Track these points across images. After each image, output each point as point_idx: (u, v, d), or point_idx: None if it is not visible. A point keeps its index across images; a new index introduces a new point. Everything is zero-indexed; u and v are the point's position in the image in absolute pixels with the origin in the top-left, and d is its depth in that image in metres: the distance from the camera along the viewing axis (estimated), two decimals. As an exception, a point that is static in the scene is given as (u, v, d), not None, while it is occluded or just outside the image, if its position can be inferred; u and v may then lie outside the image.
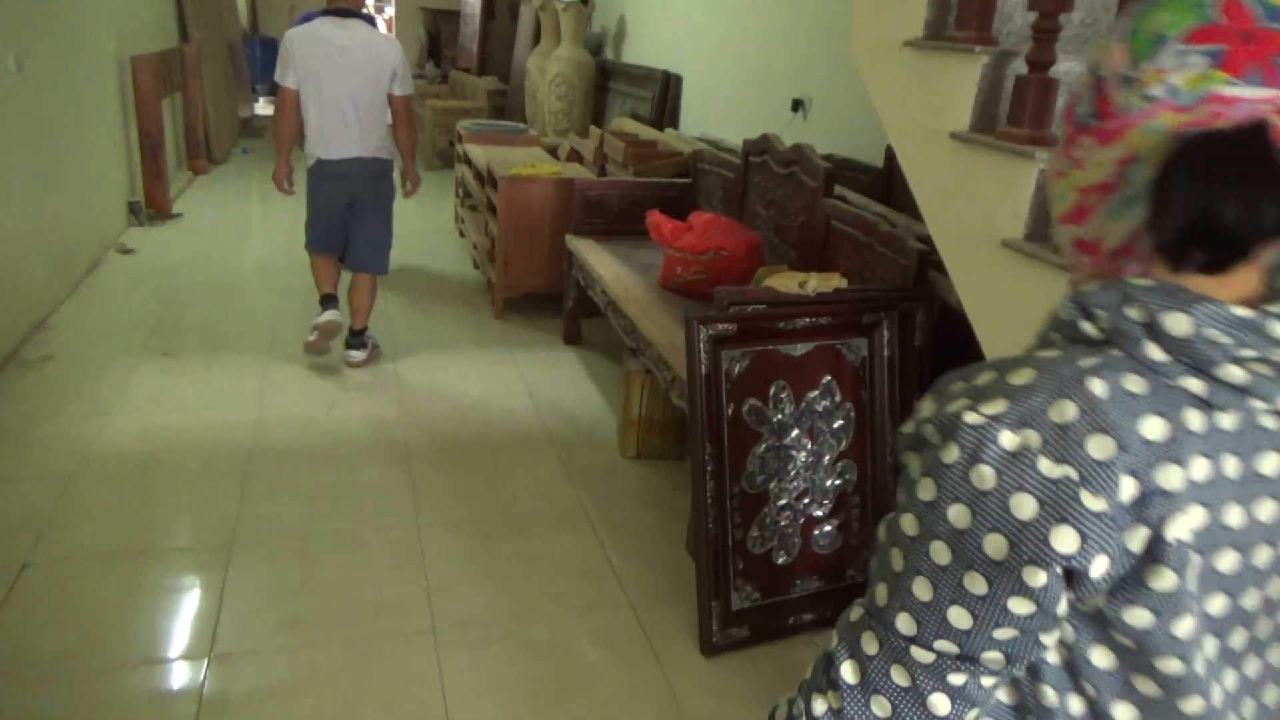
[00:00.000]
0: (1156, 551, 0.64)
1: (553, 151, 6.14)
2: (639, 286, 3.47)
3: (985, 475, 0.65)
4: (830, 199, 3.09)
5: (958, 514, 0.67)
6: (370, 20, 3.68)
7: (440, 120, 8.80)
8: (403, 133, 3.80)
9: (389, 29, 16.86)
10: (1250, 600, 0.71)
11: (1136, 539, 0.64)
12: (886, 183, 3.51)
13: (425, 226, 6.58)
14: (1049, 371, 0.67)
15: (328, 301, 3.90)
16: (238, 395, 3.63)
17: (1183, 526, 0.64)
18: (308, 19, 3.63)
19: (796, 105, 4.61)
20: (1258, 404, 0.66)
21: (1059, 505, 0.63)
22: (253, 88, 12.70)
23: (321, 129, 3.60)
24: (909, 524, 0.70)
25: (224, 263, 5.41)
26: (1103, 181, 0.72)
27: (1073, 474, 0.63)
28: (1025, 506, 0.64)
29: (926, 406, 0.72)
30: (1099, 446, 0.63)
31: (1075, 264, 0.77)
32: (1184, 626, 0.66)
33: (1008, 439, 0.65)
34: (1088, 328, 0.70)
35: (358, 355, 3.94)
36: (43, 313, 4.22)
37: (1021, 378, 0.67)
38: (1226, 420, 0.67)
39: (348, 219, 3.77)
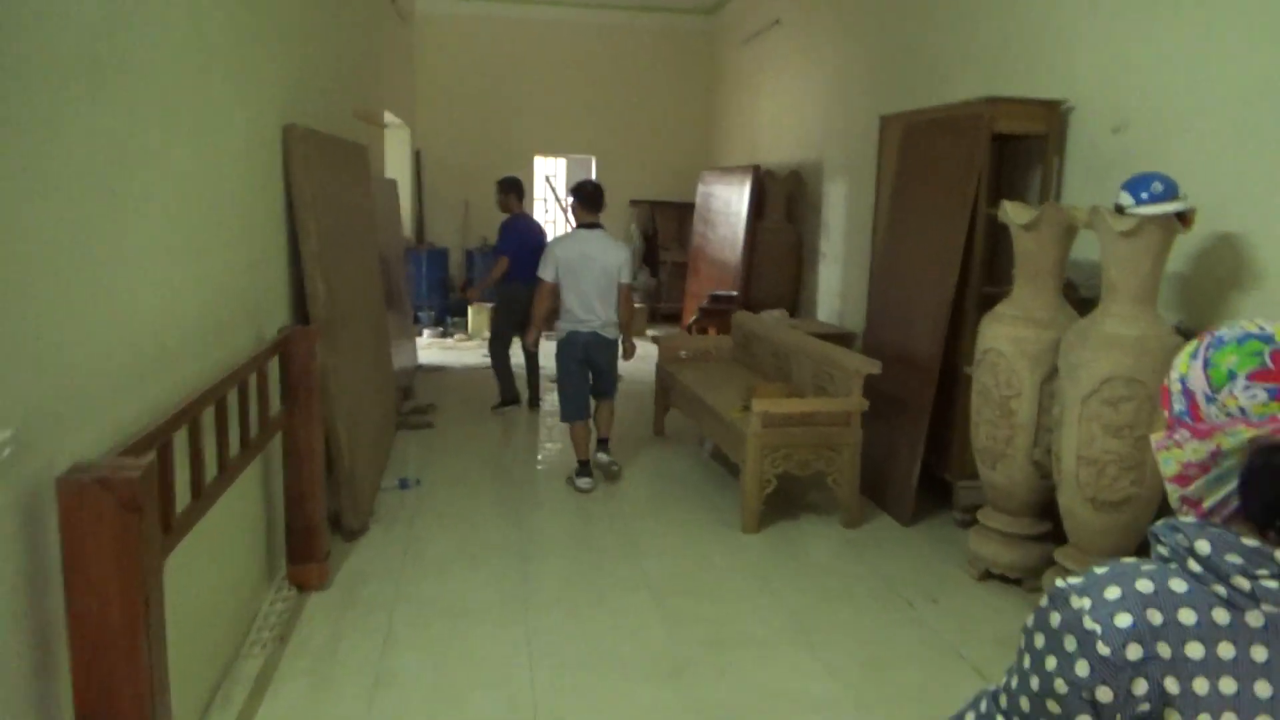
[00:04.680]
0: (1169, 699, 0.91)
1: None
2: None
3: (1054, 618, 0.99)
4: None
5: (1034, 638, 1.01)
6: (601, 227, 5.03)
7: (766, 446, 4.40)
8: (625, 310, 5.02)
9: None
10: None
11: (1139, 686, 0.92)
12: None
13: None
14: (1117, 568, 1.00)
15: (584, 467, 4.96)
16: None
17: (1203, 685, 0.91)
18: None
19: None
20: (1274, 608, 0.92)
21: (1083, 645, 0.95)
22: (416, 316, 8.96)
23: (575, 310, 4.89)
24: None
25: None
26: (1199, 463, 1.00)
27: (1099, 629, 0.94)
28: (1068, 642, 0.96)
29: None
30: (1122, 619, 0.93)
31: (1180, 511, 1.05)
32: None
33: (1074, 600, 0.97)
34: (1160, 549, 1.01)
35: (606, 457, 5.20)
36: None
37: (1100, 569, 1.01)
38: (1252, 619, 0.93)
39: (587, 379, 5.03)
